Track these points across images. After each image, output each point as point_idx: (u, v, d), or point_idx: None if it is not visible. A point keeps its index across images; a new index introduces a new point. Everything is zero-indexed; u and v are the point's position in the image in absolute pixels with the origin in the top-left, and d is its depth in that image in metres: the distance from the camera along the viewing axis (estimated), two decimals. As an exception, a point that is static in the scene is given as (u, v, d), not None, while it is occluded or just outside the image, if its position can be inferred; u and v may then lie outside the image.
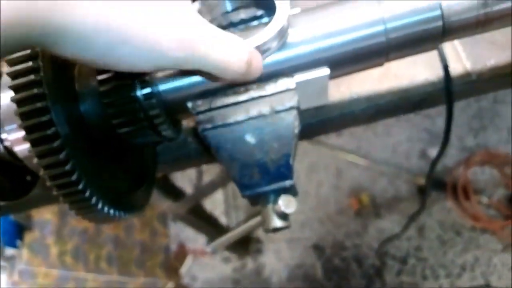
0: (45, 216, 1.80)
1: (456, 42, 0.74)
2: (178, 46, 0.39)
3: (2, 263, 1.64)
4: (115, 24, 0.35)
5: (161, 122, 0.49)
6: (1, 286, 1.61)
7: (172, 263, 2.42)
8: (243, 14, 0.51)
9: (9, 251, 1.65)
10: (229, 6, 0.52)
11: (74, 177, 0.43)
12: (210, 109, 0.49)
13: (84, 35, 0.34)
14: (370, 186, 2.41)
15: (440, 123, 2.36)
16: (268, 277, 2.36)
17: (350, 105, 0.72)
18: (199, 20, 0.42)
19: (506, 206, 2.26)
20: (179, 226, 2.47)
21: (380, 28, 0.48)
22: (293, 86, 0.48)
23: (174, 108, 0.50)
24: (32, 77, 0.41)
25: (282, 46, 0.48)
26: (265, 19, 0.51)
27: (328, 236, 2.36)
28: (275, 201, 0.49)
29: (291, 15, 0.47)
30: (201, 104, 0.49)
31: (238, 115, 0.49)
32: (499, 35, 0.69)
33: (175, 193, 1.73)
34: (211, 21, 0.46)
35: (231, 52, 0.43)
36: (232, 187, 2.34)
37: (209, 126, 0.49)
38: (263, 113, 0.49)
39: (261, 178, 0.50)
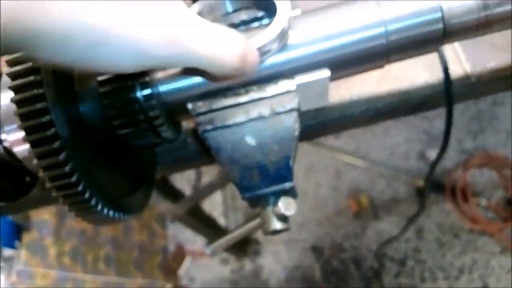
0: (44, 216, 1.80)
1: (456, 44, 0.74)
2: (163, 44, 0.36)
3: (1, 264, 1.63)
4: (94, 24, 0.32)
5: (161, 123, 0.49)
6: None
7: (170, 264, 2.42)
8: (244, 15, 0.51)
9: (7, 251, 1.65)
10: (229, 7, 0.52)
11: (73, 178, 0.42)
12: (211, 111, 0.49)
13: (60, 37, 0.31)
14: (369, 188, 2.41)
15: (438, 124, 2.37)
16: (266, 279, 2.36)
17: (350, 107, 0.72)
18: (185, 15, 0.39)
19: (505, 208, 2.26)
20: (177, 227, 2.47)
21: (381, 30, 0.48)
22: (293, 88, 0.48)
23: (174, 109, 0.50)
24: (32, 78, 0.41)
25: (283, 47, 0.48)
26: (265, 21, 0.51)
27: (327, 238, 2.36)
28: (275, 203, 0.49)
29: (291, 17, 0.47)
30: (202, 106, 0.49)
31: (239, 117, 0.49)
32: (499, 37, 0.69)
33: (174, 194, 1.73)
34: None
35: (222, 46, 0.41)
36: (230, 188, 2.34)
37: (209, 127, 0.49)
38: (263, 115, 0.49)
39: (261, 180, 0.49)
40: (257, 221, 0.53)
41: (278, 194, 0.49)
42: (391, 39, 0.48)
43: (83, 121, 0.48)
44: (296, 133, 0.49)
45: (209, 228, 2.05)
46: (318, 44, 0.48)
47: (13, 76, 0.42)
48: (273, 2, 0.48)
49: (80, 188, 0.43)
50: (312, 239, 2.36)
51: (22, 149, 0.47)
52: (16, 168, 0.52)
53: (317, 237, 2.36)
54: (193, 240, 2.43)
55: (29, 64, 0.41)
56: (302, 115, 0.51)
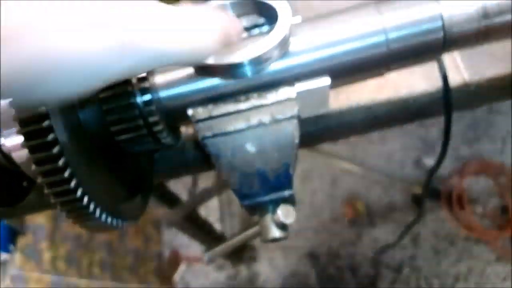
0: (38, 220, 1.79)
1: (455, 53, 0.74)
2: (119, 54, 0.30)
3: (-5, 268, 1.62)
4: (32, 51, 0.26)
5: (160, 129, 0.49)
6: (-7, 292, 1.59)
7: (165, 270, 2.41)
8: (244, 22, 0.51)
9: (2, 255, 1.63)
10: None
11: (72, 185, 0.42)
12: (210, 117, 0.49)
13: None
14: (365, 195, 2.41)
15: (434, 132, 2.37)
16: (262, 285, 2.35)
17: (348, 115, 0.72)
18: (140, 12, 0.32)
19: (501, 216, 2.26)
20: (173, 233, 2.46)
21: (382, 38, 0.48)
22: (294, 95, 0.48)
23: (174, 115, 0.50)
24: (31, 82, 0.41)
25: (284, 55, 0.47)
26: (266, 27, 0.51)
27: (323, 245, 2.35)
28: (274, 211, 0.49)
29: (293, 24, 0.47)
30: (201, 112, 0.49)
31: (239, 124, 0.48)
32: (498, 46, 0.68)
33: (170, 199, 1.72)
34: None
35: (198, 35, 0.36)
36: (227, 194, 2.33)
37: (209, 134, 0.49)
38: (264, 122, 0.48)
39: (261, 187, 0.49)
40: (255, 228, 0.53)
41: (277, 202, 0.49)
42: (392, 47, 0.48)
43: (82, 126, 0.48)
44: (296, 140, 0.49)
45: (205, 233, 2.04)
46: (319, 51, 0.48)
47: (13, 80, 0.41)
48: (274, 9, 0.48)
49: (78, 194, 0.43)
50: (308, 245, 2.36)
51: (20, 154, 0.47)
52: (13, 173, 0.52)
53: (313, 243, 2.36)
54: (188, 245, 2.42)
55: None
56: (301, 122, 0.51)
